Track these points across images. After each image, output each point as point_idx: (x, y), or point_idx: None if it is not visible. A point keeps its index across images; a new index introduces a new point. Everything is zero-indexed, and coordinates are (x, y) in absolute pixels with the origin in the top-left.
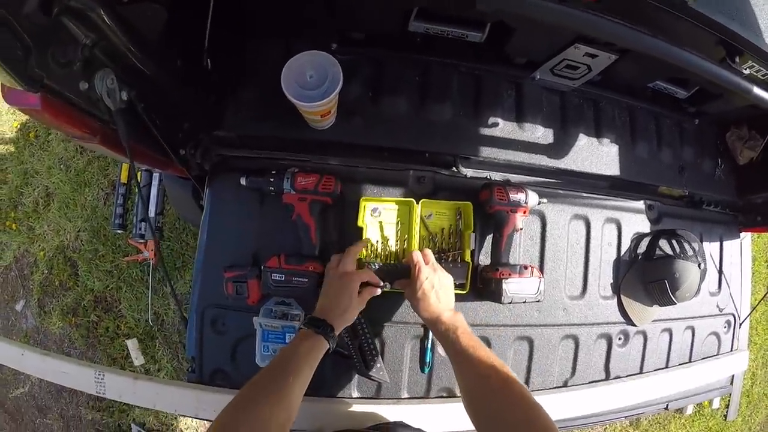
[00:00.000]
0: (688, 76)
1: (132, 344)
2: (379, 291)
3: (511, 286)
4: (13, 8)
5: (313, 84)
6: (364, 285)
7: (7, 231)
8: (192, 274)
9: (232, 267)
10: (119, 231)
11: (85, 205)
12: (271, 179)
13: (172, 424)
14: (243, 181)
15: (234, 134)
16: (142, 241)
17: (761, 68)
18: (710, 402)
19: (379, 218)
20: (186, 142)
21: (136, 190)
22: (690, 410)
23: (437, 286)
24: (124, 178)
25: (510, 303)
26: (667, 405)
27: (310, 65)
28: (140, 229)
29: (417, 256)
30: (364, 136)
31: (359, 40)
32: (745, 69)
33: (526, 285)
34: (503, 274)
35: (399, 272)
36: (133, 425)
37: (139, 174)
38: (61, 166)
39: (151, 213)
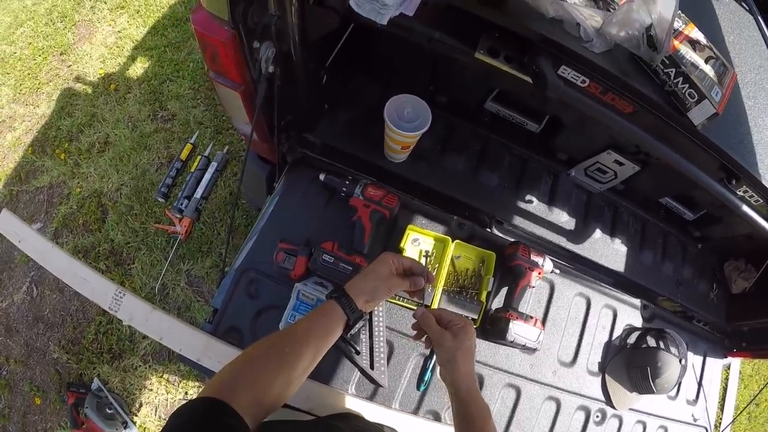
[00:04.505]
0: (695, 194)
1: None
2: (422, 283)
3: (516, 328)
4: None
5: (408, 118)
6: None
7: (54, 158)
8: (232, 248)
9: (287, 240)
10: (161, 199)
11: (138, 165)
12: (347, 182)
13: (134, 393)
14: (322, 177)
15: (320, 141)
16: (178, 215)
17: (754, 194)
18: None
19: (418, 247)
20: (282, 131)
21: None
22: None
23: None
24: (184, 156)
25: (512, 342)
26: None
27: (410, 104)
28: (181, 204)
29: (450, 314)
30: (426, 179)
31: (443, 103)
32: (740, 191)
33: (529, 331)
34: (512, 316)
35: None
36: (96, 379)
37: (198, 158)
38: (129, 123)
39: (198, 194)
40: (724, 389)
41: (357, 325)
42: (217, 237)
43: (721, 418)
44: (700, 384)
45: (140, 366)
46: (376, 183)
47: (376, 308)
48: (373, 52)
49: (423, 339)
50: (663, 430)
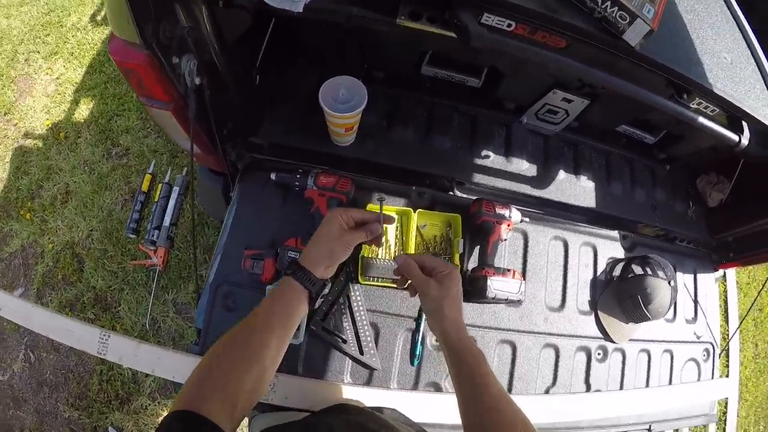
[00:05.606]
0: (650, 117)
1: None
2: (378, 229)
3: (495, 283)
4: None
5: (343, 99)
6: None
7: (20, 219)
8: (198, 272)
9: (251, 246)
10: (132, 236)
11: (103, 207)
12: (298, 176)
13: None
14: (273, 176)
15: (266, 142)
16: (152, 247)
17: (709, 105)
18: None
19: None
20: (226, 140)
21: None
22: None
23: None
24: (145, 188)
25: (494, 298)
26: (650, 427)
27: (343, 86)
28: (153, 235)
29: (434, 261)
30: (377, 155)
31: (380, 78)
32: (693, 105)
33: (508, 284)
34: (488, 273)
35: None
36: (110, 428)
37: (159, 187)
38: (85, 167)
39: (167, 222)
40: (725, 302)
41: (333, 309)
42: (194, 260)
43: (727, 330)
44: (696, 302)
45: (149, 405)
46: (327, 170)
47: (353, 293)
48: (300, 41)
49: (406, 286)
50: (668, 353)
